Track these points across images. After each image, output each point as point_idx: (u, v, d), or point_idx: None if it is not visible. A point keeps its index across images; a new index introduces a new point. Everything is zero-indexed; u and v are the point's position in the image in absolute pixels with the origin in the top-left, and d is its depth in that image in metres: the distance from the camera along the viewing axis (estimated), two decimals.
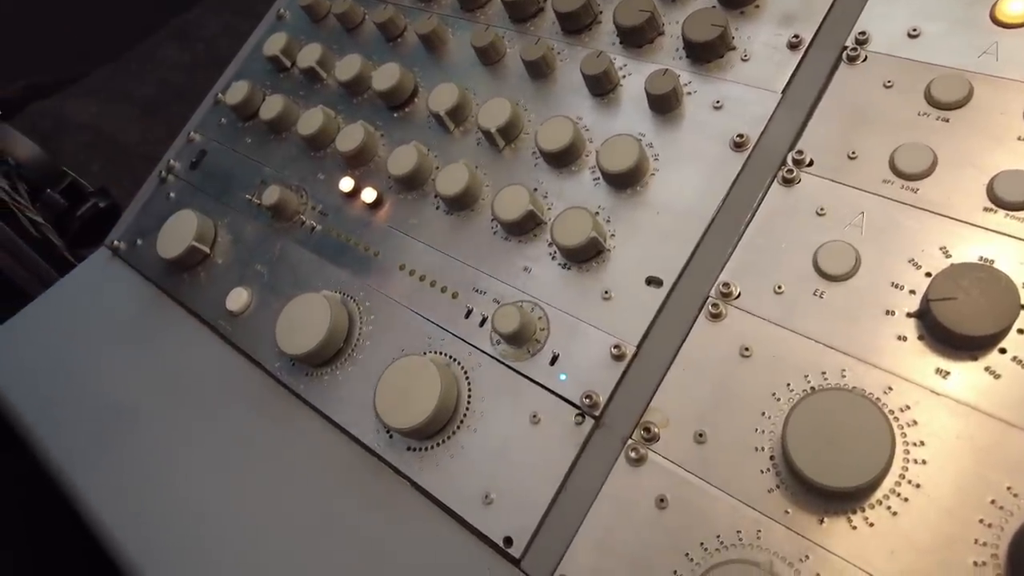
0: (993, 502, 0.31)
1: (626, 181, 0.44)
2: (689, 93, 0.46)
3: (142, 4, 1.62)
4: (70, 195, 0.99)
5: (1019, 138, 0.37)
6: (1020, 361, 0.33)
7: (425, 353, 0.45)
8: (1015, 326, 0.33)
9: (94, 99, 1.45)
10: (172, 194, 0.64)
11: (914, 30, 0.42)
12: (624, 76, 0.48)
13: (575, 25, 0.51)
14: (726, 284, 0.39)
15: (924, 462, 0.32)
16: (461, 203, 0.48)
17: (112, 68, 1.52)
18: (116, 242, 0.65)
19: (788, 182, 0.41)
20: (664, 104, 0.45)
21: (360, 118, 0.56)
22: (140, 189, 1.14)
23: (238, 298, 0.54)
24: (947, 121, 0.39)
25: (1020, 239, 0.35)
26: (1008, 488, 0.31)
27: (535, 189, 0.47)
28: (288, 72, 0.64)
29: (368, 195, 0.53)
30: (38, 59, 1.50)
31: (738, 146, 0.42)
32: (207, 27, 1.57)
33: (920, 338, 0.35)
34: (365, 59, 0.58)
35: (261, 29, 0.70)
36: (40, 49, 1.51)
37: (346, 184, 0.54)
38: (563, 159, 0.47)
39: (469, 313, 0.45)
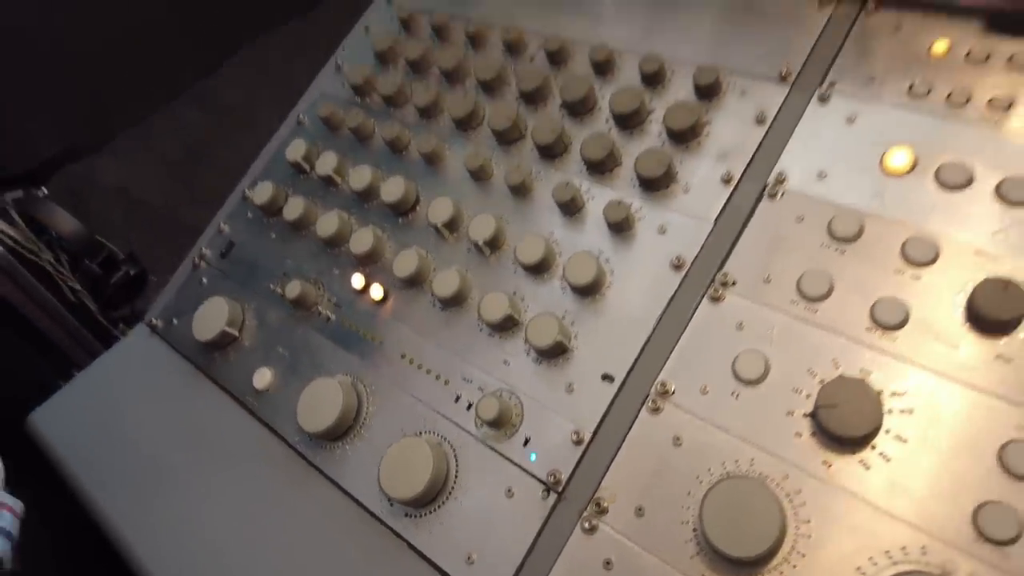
0: (859, 568, 0.39)
1: (587, 291, 0.54)
2: (640, 219, 0.55)
3: (167, 70, 1.74)
4: (104, 263, 1.09)
5: (896, 270, 0.47)
6: (886, 456, 0.42)
7: (421, 433, 0.54)
8: (882, 428, 0.42)
9: (121, 161, 1.56)
10: (204, 279, 0.74)
11: (822, 173, 0.52)
12: (589, 199, 0.58)
13: (549, 153, 0.61)
14: (663, 383, 0.48)
15: (810, 536, 0.41)
16: (453, 302, 0.58)
17: (138, 131, 1.64)
18: (154, 320, 0.75)
19: (715, 300, 0.50)
20: (619, 227, 0.55)
21: (370, 222, 0.66)
22: (166, 257, 1.25)
23: (263, 377, 0.63)
24: (843, 252, 0.49)
25: (892, 356, 0.44)
26: (870, 559, 0.39)
27: (514, 293, 0.57)
28: (308, 175, 0.74)
29: (376, 291, 0.62)
30: (69, 124, 1.62)
31: (676, 267, 0.52)
32: (228, 92, 1.70)
33: (812, 435, 0.44)
34: (375, 169, 0.68)
35: (284, 130, 0.81)
36: (71, 114, 1.62)
37: (357, 281, 0.64)
38: (537, 269, 0.56)
39: (458, 399, 0.54)
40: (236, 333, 0.67)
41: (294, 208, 0.70)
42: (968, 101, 0.51)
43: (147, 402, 0.69)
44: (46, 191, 1.07)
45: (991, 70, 0.52)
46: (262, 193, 0.73)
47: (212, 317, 0.67)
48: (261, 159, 0.81)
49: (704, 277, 0.51)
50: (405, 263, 0.60)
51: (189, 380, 0.68)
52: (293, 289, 0.65)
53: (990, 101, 0.50)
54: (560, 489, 0.48)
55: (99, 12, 1.58)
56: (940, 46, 0.54)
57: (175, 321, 0.73)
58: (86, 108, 1.64)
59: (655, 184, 0.55)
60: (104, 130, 1.64)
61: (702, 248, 0.52)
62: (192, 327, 0.68)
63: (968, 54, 0.53)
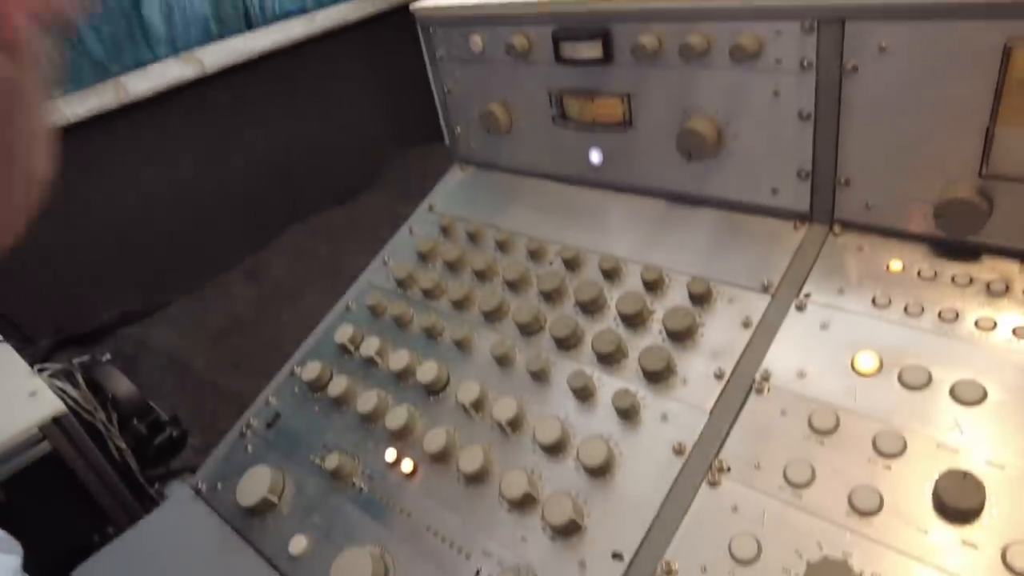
0: None
1: (598, 472, 0.60)
2: (645, 406, 0.63)
3: (221, 246, 1.93)
4: (150, 424, 1.18)
5: (869, 460, 0.53)
6: None
7: None
8: None
9: (172, 327, 1.70)
10: (250, 448, 0.81)
11: (801, 372, 0.60)
12: (600, 387, 0.66)
13: (565, 345, 0.70)
14: (668, 563, 0.53)
15: None
16: (477, 479, 0.64)
17: (190, 300, 1.79)
18: (200, 484, 0.81)
19: (712, 484, 0.56)
20: (626, 414, 0.62)
21: (405, 401, 0.74)
22: (205, 419, 1.32)
23: (298, 544, 0.68)
24: (822, 444, 0.55)
25: (870, 539, 0.49)
26: None
27: (532, 471, 0.63)
28: (352, 356, 0.83)
29: (406, 466, 0.69)
30: (128, 292, 1.78)
31: (677, 452, 0.59)
32: (274, 267, 1.87)
33: None
34: (412, 353, 0.77)
35: (333, 315, 0.92)
36: (130, 283, 1.79)
37: (390, 455, 0.70)
38: (553, 450, 0.63)
39: (478, 573, 0.59)
40: (276, 500, 0.73)
41: (337, 385, 0.78)
42: (922, 312, 0.60)
43: (187, 564, 0.73)
44: (109, 356, 1.17)
45: (939, 286, 0.61)
46: (310, 371, 0.82)
47: (255, 484, 0.74)
48: (311, 338, 0.91)
49: (703, 462, 0.58)
50: (434, 439, 0.68)
51: (228, 544, 0.73)
52: (332, 461, 0.71)
53: (939, 313, 0.59)
54: None
55: (161, 192, 1.80)
56: (896, 265, 0.65)
57: (219, 486, 0.79)
58: (145, 278, 1.81)
59: (657, 376, 0.64)
60: (159, 299, 1.80)
61: (700, 436, 0.59)
62: (236, 492, 0.74)
63: (919, 272, 0.63)
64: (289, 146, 2.04)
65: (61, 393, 1.04)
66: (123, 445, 1.12)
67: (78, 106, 1.53)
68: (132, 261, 1.80)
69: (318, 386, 0.82)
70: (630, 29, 0.71)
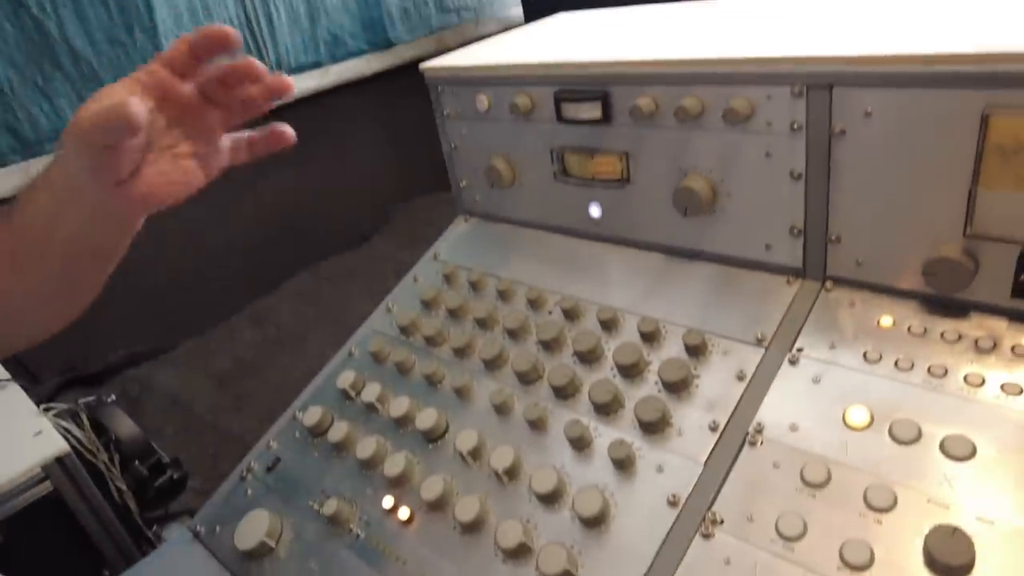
0: None
1: (593, 523, 0.60)
2: (640, 457, 0.64)
3: (228, 290, 1.97)
4: (152, 466, 1.18)
5: (860, 514, 0.53)
6: None
7: None
8: None
9: (177, 369, 1.71)
10: (249, 491, 0.82)
11: (794, 425, 0.61)
12: (596, 436, 0.67)
13: (562, 394, 0.71)
14: None
15: None
16: (472, 528, 0.65)
17: (196, 342, 1.81)
18: (199, 527, 0.81)
19: (706, 536, 0.56)
20: (621, 464, 0.63)
21: (404, 448, 0.75)
22: (206, 461, 1.33)
23: None
24: (814, 497, 0.56)
25: None
26: None
27: (527, 521, 0.63)
28: (353, 401, 0.84)
29: (403, 513, 0.69)
30: (136, 333, 1.80)
31: (672, 504, 0.59)
32: (280, 312, 1.89)
33: None
34: (412, 399, 0.78)
35: (336, 360, 0.93)
36: (138, 325, 1.82)
37: (387, 502, 0.71)
38: (549, 499, 0.64)
39: None
40: (273, 545, 0.73)
41: (338, 431, 0.79)
42: (912, 367, 0.61)
43: None
44: (114, 397, 1.19)
45: (929, 342, 0.63)
46: (311, 416, 0.83)
47: (253, 528, 0.74)
48: (313, 384, 0.92)
49: (696, 514, 0.58)
50: (431, 487, 0.68)
51: None
52: (330, 507, 0.72)
53: (929, 368, 0.60)
54: None
55: (172, 235, 1.84)
56: (886, 320, 0.66)
57: (218, 529, 0.79)
58: (152, 320, 1.83)
59: (653, 427, 0.65)
60: (166, 341, 1.82)
61: (694, 487, 0.60)
62: (234, 536, 0.74)
63: (909, 328, 0.64)
64: (299, 193, 2.09)
65: (65, 433, 1.05)
66: (123, 487, 1.12)
67: None
68: (140, 303, 1.82)
69: (319, 431, 0.83)
70: (628, 92, 0.75)
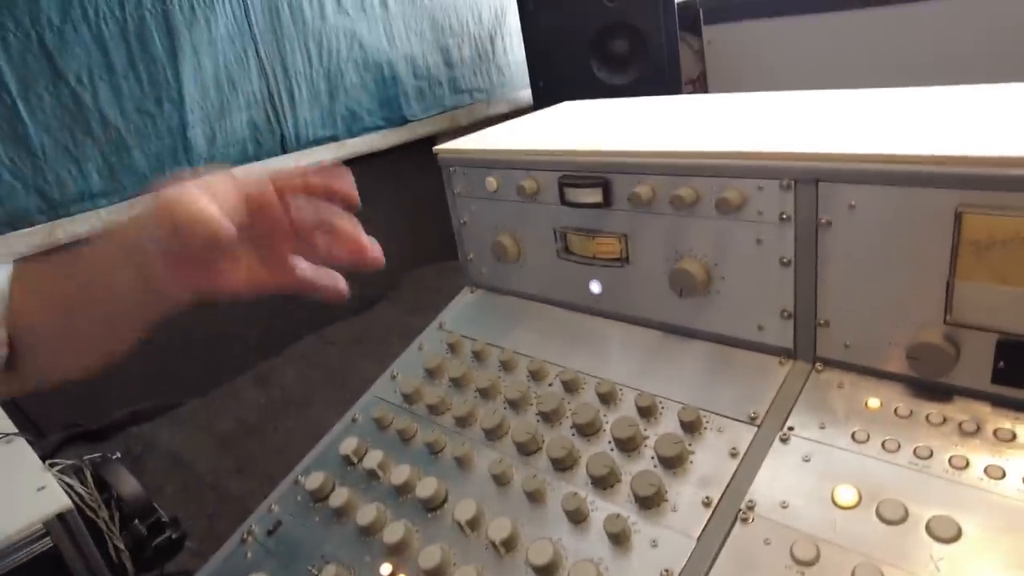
0: None
1: None
2: (635, 531, 0.65)
3: (234, 351, 1.99)
4: (151, 525, 1.18)
5: None
6: None
7: None
8: None
9: (180, 428, 1.72)
10: (249, 554, 0.83)
11: (784, 502, 0.63)
12: (593, 510, 0.69)
13: (561, 466, 0.73)
14: None
15: None
16: None
17: (201, 403, 1.83)
18: None
19: None
20: (617, 539, 0.64)
21: (403, 516, 0.76)
22: (204, 522, 1.32)
23: None
24: (803, 574, 0.57)
25: None
26: None
27: None
28: (355, 467, 0.86)
29: None
30: (140, 391, 1.82)
31: None
32: (284, 374, 1.91)
33: None
34: (413, 467, 0.80)
35: (340, 426, 0.95)
36: (144, 381, 1.84)
37: (385, 569, 0.72)
38: (545, 572, 0.65)
39: None
40: None
41: (339, 497, 0.81)
42: (899, 448, 0.63)
43: None
44: (119, 454, 1.20)
45: (915, 424, 0.65)
46: (313, 481, 0.85)
47: None
48: (316, 449, 0.94)
49: None
50: (429, 557, 0.69)
51: None
52: (328, 573, 0.73)
53: (915, 450, 0.62)
54: None
55: None
56: (874, 402, 0.68)
57: None
58: (158, 378, 1.86)
59: (648, 502, 0.66)
60: (170, 400, 1.84)
61: (687, 562, 0.61)
62: None
63: (896, 410, 0.67)
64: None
65: (68, 489, 1.06)
66: (122, 546, 1.12)
67: (117, 213, 1.65)
68: (147, 361, 1.85)
69: (320, 496, 0.84)
70: (627, 180, 0.80)
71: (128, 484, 1.16)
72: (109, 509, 1.14)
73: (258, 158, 1.94)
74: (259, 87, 1.92)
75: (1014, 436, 0.60)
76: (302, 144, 2.02)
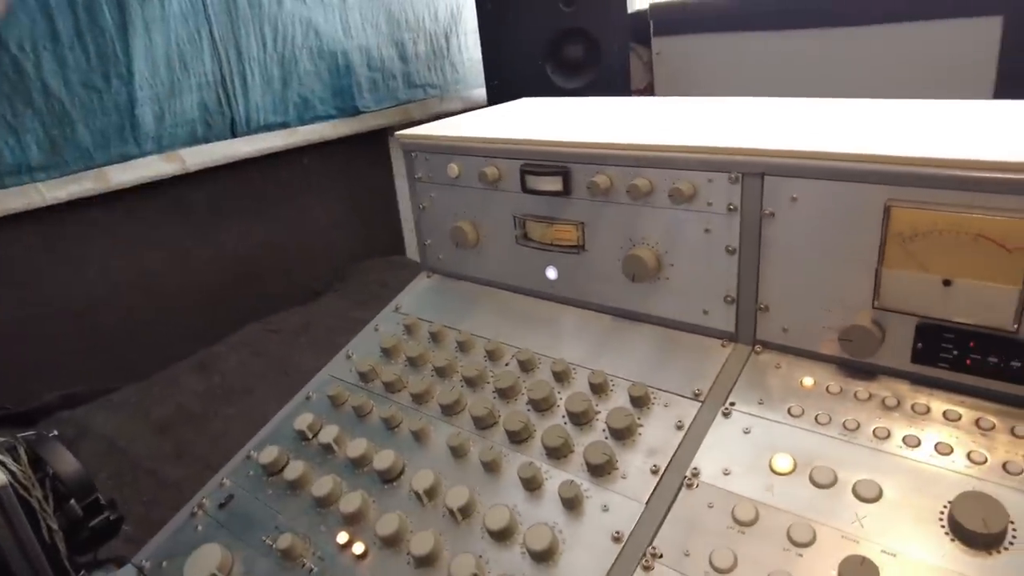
0: None
1: (542, 557, 0.64)
2: (588, 497, 0.69)
3: (175, 337, 1.94)
4: (88, 506, 1.14)
5: (784, 549, 0.59)
6: None
7: None
8: None
9: (116, 413, 1.66)
10: (200, 527, 0.82)
11: (726, 470, 0.67)
12: (547, 478, 0.72)
13: (517, 439, 0.76)
14: None
15: None
16: (426, 562, 0.68)
17: (138, 388, 1.77)
18: (144, 562, 0.81)
19: (647, 569, 0.61)
20: (570, 504, 0.68)
21: (360, 487, 0.77)
22: (139, 509, 1.29)
23: None
24: (743, 534, 0.62)
25: None
26: None
27: (480, 556, 0.67)
28: (309, 442, 0.87)
29: (357, 548, 0.72)
30: (72, 374, 1.75)
31: (616, 540, 0.64)
32: (226, 361, 1.87)
33: None
34: (370, 442, 0.82)
35: (293, 404, 0.95)
36: (79, 364, 1.77)
37: (342, 538, 0.73)
38: (501, 536, 0.67)
39: None
40: None
41: (294, 470, 0.81)
42: (830, 422, 0.69)
43: None
44: (56, 432, 1.16)
45: (844, 400, 0.71)
46: (267, 455, 0.85)
47: (203, 562, 0.74)
48: (268, 426, 0.94)
49: (638, 550, 0.63)
50: (387, 524, 0.71)
51: None
52: (283, 541, 0.73)
53: (844, 423, 0.68)
54: None
55: (127, 279, 1.83)
56: (808, 381, 0.74)
57: (164, 564, 0.79)
58: (93, 362, 1.79)
59: (600, 470, 0.70)
60: (107, 384, 1.77)
61: (636, 525, 0.65)
62: (183, 570, 0.74)
63: (827, 388, 0.73)
64: (257, 247, 2.11)
65: (1, 467, 1.02)
66: (55, 526, 1.08)
67: (58, 190, 1.59)
68: (83, 344, 1.79)
69: (274, 470, 0.84)
70: (586, 170, 0.84)
71: (66, 462, 1.12)
72: (43, 488, 1.10)
73: (207, 140, 1.89)
74: (211, 69, 1.88)
75: (928, 410, 0.67)
76: (252, 129, 1.99)
